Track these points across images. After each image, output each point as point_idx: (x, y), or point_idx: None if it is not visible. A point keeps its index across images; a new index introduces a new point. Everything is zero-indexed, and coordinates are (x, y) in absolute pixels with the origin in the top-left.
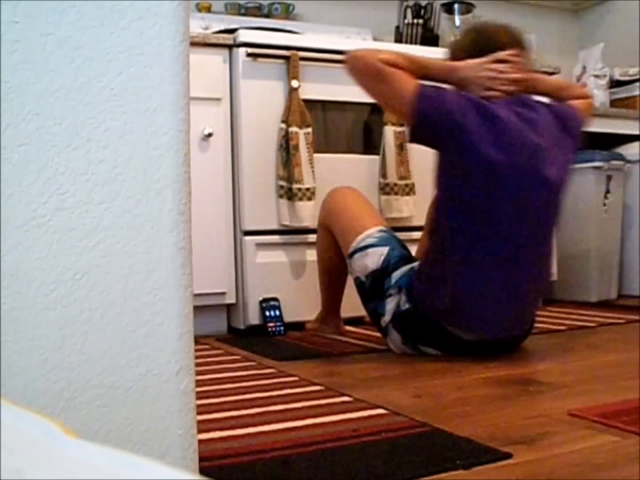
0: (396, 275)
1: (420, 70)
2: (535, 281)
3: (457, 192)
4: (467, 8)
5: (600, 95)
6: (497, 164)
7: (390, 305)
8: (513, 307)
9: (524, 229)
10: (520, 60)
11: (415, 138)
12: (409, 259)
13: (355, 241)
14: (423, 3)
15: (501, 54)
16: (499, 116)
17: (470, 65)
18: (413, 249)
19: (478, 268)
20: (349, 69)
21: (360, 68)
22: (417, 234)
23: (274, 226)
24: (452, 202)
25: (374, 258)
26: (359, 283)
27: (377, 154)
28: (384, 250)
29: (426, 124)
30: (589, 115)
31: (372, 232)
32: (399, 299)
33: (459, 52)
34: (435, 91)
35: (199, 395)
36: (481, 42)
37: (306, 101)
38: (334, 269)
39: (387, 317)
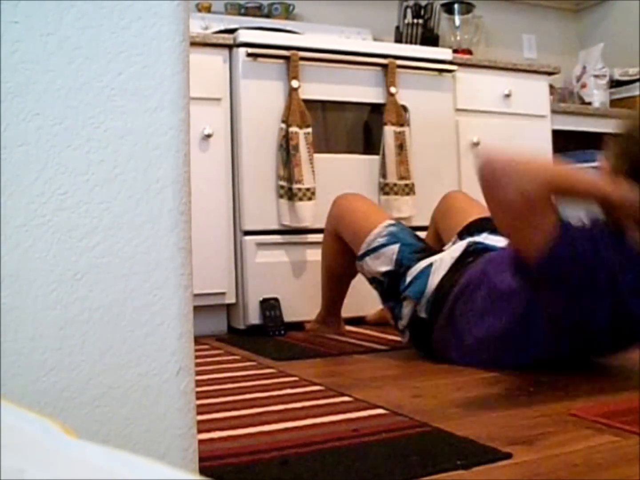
0: (411, 274)
1: (564, 190)
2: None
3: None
4: (467, 8)
5: (600, 95)
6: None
7: (406, 309)
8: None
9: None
10: None
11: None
12: (422, 249)
13: (365, 242)
14: (423, 3)
15: None
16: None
17: (631, 198)
18: None
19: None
20: (485, 185)
21: (500, 197)
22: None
23: (274, 226)
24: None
25: (385, 259)
26: (377, 282)
27: (377, 154)
28: (395, 248)
29: (556, 272)
30: None
31: (381, 229)
32: (415, 304)
33: (621, 162)
34: (571, 247)
35: (199, 395)
36: None
37: (306, 101)
38: (341, 276)
39: (404, 321)
